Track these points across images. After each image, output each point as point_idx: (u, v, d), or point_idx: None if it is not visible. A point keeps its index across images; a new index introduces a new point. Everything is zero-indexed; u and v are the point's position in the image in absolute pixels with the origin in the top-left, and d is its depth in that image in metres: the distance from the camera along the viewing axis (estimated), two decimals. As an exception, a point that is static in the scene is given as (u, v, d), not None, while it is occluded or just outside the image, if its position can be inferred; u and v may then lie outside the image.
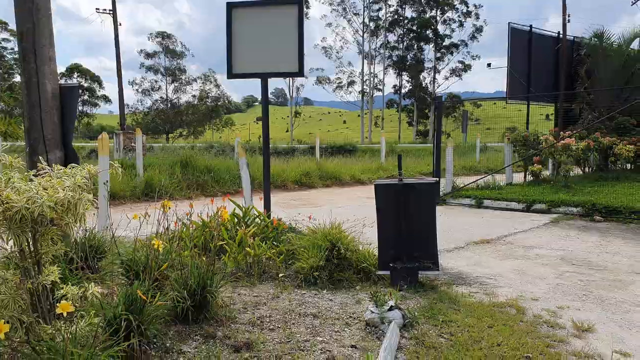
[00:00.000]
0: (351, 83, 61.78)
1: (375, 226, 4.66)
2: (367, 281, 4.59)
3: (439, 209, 6.01)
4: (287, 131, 78.38)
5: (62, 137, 4.30)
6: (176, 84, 60.29)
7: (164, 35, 59.85)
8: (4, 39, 54.14)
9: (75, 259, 3.70)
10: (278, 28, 5.95)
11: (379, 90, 63.12)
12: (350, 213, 7.03)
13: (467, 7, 57.04)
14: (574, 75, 16.13)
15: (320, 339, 3.30)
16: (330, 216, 5.20)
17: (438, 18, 58.29)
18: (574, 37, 16.87)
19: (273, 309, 3.84)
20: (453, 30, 58.33)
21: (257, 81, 6.10)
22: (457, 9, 57.43)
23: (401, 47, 59.54)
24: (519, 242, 6.71)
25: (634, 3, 25.86)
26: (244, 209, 5.79)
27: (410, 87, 60.70)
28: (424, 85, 60.11)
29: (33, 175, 2.53)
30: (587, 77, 15.33)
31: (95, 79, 65.27)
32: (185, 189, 11.82)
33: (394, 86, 62.82)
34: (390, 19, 59.05)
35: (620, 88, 14.18)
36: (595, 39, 15.32)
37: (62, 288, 2.40)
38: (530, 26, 15.07)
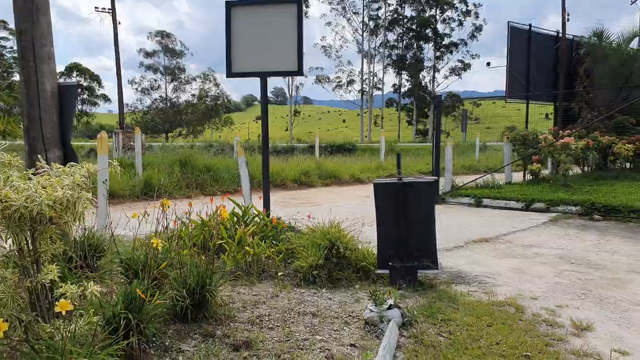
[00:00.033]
0: (351, 82, 61.87)
1: (374, 225, 4.67)
2: (367, 280, 4.59)
3: (438, 208, 6.04)
4: (286, 130, 78.39)
5: (61, 136, 4.29)
6: (175, 83, 60.33)
7: (163, 34, 59.90)
8: (3, 38, 54.20)
9: (74, 257, 3.70)
10: (277, 27, 5.95)
11: (379, 89, 63.21)
12: (349, 212, 7.03)
13: (467, 6, 57.12)
14: (573, 74, 16.13)
15: (320, 337, 3.30)
16: (329, 215, 5.20)
17: (437, 17, 58.32)
18: (573, 36, 16.87)
19: (272, 308, 3.84)
20: (452, 30, 58.50)
21: (257, 80, 6.10)
22: (457, 8, 57.49)
23: (401, 46, 59.58)
24: (518, 241, 6.72)
25: (633, 2, 25.87)
26: (243, 207, 5.79)
27: (410, 86, 60.75)
28: (423, 84, 60.16)
29: (32, 174, 2.53)
30: (586, 76, 15.33)
31: (95, 78, 65.28)
32: (184, 188, 11.82)
33: (394, 85, 62.91)
34: (389, 18, 59.08)
35: (620, 87, 14.19)
36: (595, 38, 15.32)
37: (61, 287, 2.40)
38: (530, 25, 15.07)
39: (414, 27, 58.31)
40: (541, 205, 9.28)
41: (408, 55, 59.39)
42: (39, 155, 3.24)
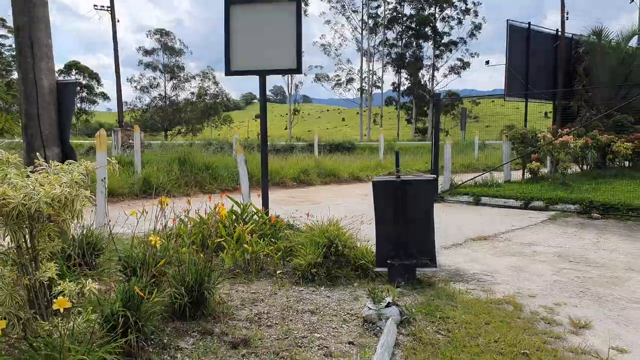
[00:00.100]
0: (350, 80, 61.86)
1: (373, 223, 4.67)
2: (365, 278, 4.59)
3: (437, 206, 6.04)
4: (285, 129, 78.38)
5: (59, 134, 4.29)
6: (175, 81, 60.27)
7: (162, 33, 59.82)
8: (1, 36, 54.12)
9: (72, 255, 3.70)
10: (276, 25, 5.94)
11: (378, 87, 63.23)
12: (348, 210, 7.04)
13: (466, 4, 57.08)
14: (572, 73, 16.14)
15: (318, 335, 3.31)
16: (328, 213, 5.20)
17: (437, 15, 58.29)
18: (573, 34, 16.87)
19: (271, 306, 3.84)
20: (452, 28, 58.48)
21: (256, 78, 6.09)
22: (456, 6, 57.47)
23: (400, 44, 59.56)
24: (516, 239, 6.72)
25: (632, 0, 25.86)
26: (242, 205, 5.79)
27: (409, 84, 60.75)
28: (422, 83, 60.15)
29: (30, 171, 2.53)
30: (585, 74, 15.33)
31: (94, 76, 65.19)
32: (183, 186, 11.81)
33: (393, 84, 62.93)
34: (389, 16, 59.05)
35: (619, 85, 14.19)
36: (594, 37, 15.31)
37: (60, 284, 2.40)
38: (529, 24, 15.07)
39: (413, 25, 58.29)
40: (540, 203, 9.28)
41: (407, 54, 59.38)
42: (37, 153, 3.24)
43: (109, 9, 30.51)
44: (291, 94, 64.09)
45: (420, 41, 58.94)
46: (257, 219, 5.61)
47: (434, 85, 59.49)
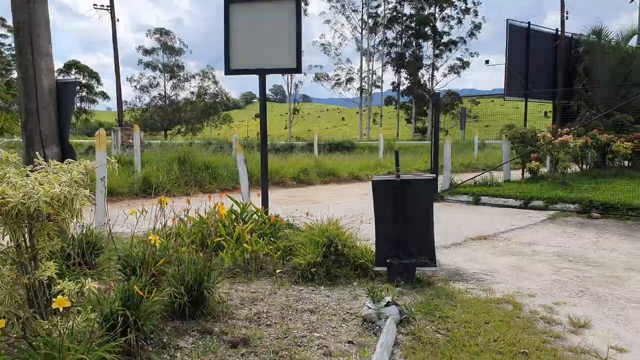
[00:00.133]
0: (350, 80, 61.84)
1: (372, 222, 4.67)
2: (365, 277, 4.59)
3: (436, 206, 6.04)
4: (285, 128, 78.35)
5: (59, 133, 4.28)
6: (174, 81, 60.25)
7: (162, 32, 59.81)
8: (1, 35, 54.11)
9: (72, 254, 3.70)
10: (276, 24, 5.93)
11: (378, 87, 63.23)
12: (348, 209, 7.04)
13: (466, 4, 57.04)
14: (572, 73, 16.14)
15: (317, 334, 3.31)
16: (327, 212, 5.20)
17: (437, 15, 58.25)
18: (572, 34, 16.87)
19: (270, 305, 3.84)
20: (452, 27, 58.41)
21: (256, 78, 6.09)
22: (456, 5, 57.42)
23: (400, 44, 59.53)
24: (516, 238, 6.72)
25: (632, 0, 25.86)
26: (241, 205, 5.79)
27: (409, 84, 60.71)
28: (422, 83, 60.11)
29: (29, 170, 2.53)
30: (585, 74, 15.34)
31: (94, 76, 65.20)
32: (183, 185, 11.80)
33: (393, 83, 62.89)
34: (388, 15, 59.02)
35: (618, 85, 14.19)
36: (594, 36, 15.31)
37: (59, 283, 2.40)
38: (529, 23, 15.06)
39: (413, 25, 58.25)
40: (540, 203, 9.29)
41: (407, 53, 59.35)
42: (36, 152, 3.24)
43: (109, 8, 30.49)
44: (291, 94, 64.07)
45: (420, 41, 58.90)
46: (257, 218, 5.61)
47: (434, 84, 59.49)
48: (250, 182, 7.32)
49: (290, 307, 3.82)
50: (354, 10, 58.28)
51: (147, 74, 59.19)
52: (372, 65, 60.04)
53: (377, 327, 3.40)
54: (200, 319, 3.40)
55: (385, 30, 59.03)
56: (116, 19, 29.95)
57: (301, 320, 3.55)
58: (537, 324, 3.61)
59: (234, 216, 5.54)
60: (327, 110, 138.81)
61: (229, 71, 6.05)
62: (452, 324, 3.52)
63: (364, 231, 5.03)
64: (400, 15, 58.84)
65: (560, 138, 11.64)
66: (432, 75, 59.57)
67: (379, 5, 58.95)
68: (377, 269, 4.59)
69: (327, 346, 3.12)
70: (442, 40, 58.41)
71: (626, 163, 13.76)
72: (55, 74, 4.39)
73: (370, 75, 60.19)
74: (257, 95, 6.88)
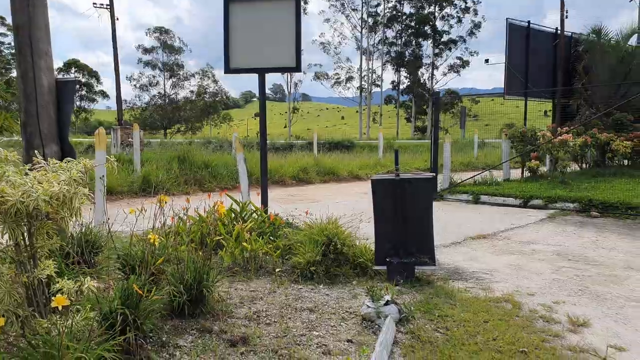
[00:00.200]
0: (349, 79, 61.83)
1: (372, 221, 4.67)
2: (364, 276, 4.59)
3: (436, 205, 6.03)
4: (285, 127, 78.31)
5: (58, 132, 4.27)
6: (174, 80, 60.17)
7: (161, 31, 59.72)
8: (1, 34, 54.06)
9: (71, 253, 3.70)
10: (275, 23, 5.93)
11: (377, 86, 63.21)
12: (347, 208, 7.04)
13: (466, 3, 57.01)
14: (571, 71, 16.12)
15: (317, 333, 3.31)
16: (327, 211, 5.20)
17: (436, 14, 58.20)
18: (572, 33, 16.85)
19: (269, 304, 3.84)
20: (451, 27, 58.35)
21: (256, 77, 6.09)
22: (456, 5, 57.36)
23: (399, 43, 59.51)
24: (515, 237, 6.73)
25: (632, -1, 25.85)
26: (241, 204, 5.79)
27: (409, 83, 60.68)
28: (422, 82, 60.07)
29: (29, 169, 2.52)
30: (584, 73, 15.32)
31: (93, 75, 65.12)
32: (182, 184, 11.80)
33: (392, 82, 62.87)
34: (388, 14, 58.98)
35: (618, 84, 14.18)
36: (593, 35, 15.29)
37: (58, 282, 2.40)
38: (529, 22, 15.04)
39: (412, 24, 58.20)
40: (539, 202, 9.29)
41: (407, 52, 59.31)
42: (36, 151, 3.24)
43: (108, 7, 30.48)
44: (290, 92, 64.04)
45: (420, 40, 58.85)
46: (256, 217, 5.61)
47: (434, 83, 59.46)
48: (249, 181, 7.32)
49: (290, 305, 3.82)
50: (353, 9, 58.34)
51: (147, 73, 59.15)
52: (372, 64, 60.19)
53: (377, 326, 3.40)
54: (200, 318, 3.40)
55: (385, 29, 59.03)
56: (116, 18, 29.96)
57: (300, 319, 3.55)
58: (536, 322, 3.61)
59: (233, 215, 5.54)
60: (327, 109, 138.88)
61: (228, 70, 6.05)
62: (451, 322, 3.53)
63: (363, 230, 5.03)
64: (400, 14, 58.82)
65: (560, 137, 11.64)
66: (432, 74, 59.56)
67: (378, 4, 58.97)
68: (376, 267, 4.59)
69: (326, 345, 3.12)
70: (442, 39, 58.38)
71: (626, 162, 13.76)
72: (55, 72, 4.39)
73: (370, 74, 60.24)
74: (257, 94, 6.88)
